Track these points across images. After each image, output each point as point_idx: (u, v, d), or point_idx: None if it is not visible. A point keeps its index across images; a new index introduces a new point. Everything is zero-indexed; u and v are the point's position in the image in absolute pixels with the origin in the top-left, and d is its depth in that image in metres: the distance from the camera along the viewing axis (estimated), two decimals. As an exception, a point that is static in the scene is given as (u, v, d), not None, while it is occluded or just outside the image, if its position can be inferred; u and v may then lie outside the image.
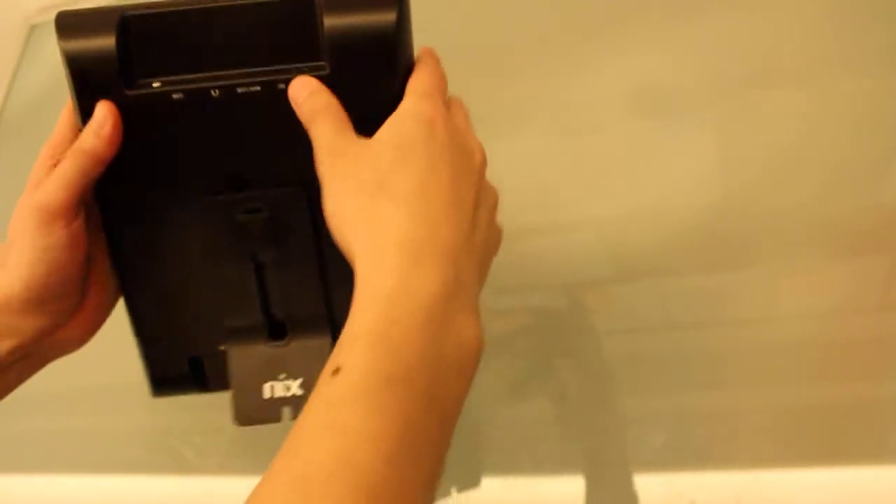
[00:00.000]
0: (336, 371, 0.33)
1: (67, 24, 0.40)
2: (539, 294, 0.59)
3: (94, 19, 0.40)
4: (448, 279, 0.34)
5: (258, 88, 0.39)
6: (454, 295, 0.34)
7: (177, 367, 0.46)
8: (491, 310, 0.59)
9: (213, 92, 0.39)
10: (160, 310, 0.46)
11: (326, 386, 0.33)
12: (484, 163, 0.39)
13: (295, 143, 0.40)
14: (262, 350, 0.45)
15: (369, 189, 0.36)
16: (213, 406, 0.65)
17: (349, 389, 0.32)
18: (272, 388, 0.45)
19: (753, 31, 0.61)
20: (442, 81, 0.41)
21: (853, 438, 0.48)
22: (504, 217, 0.61)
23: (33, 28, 1.04)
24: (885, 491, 0.46)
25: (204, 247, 0.44)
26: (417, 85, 0.40)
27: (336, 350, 0.34)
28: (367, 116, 0.39)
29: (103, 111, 0.42)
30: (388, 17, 0.38)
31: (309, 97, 0.39)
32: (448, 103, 0.41)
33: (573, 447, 0.53)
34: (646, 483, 0.50)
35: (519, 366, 0.57)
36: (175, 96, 0.40)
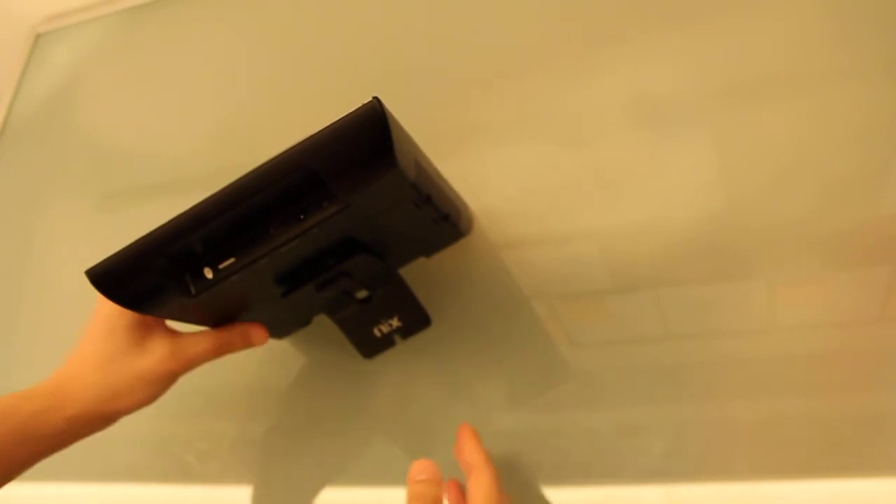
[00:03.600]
0: None
1: (109, 282, 0.44)
2: (537, 304, 0.59)
3: (127, 264, 0.44)
4: None
5: (296, 242, 0.44)
6: None
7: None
8: (488, 318, 0.60)
9: (262, 261, 0.45)
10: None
11: None
12: None
13: (333, 237, 0.47)
14: (358, 309, 0.58)
15: None
16: (214, 413, 0.65)
17: None
18: (379, 329, 0.60)
19: (753, 41, 0.61)
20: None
21: (852, 450, 0.48)
22: (502, 227, 0.62)
23: (39, 37, 1.04)
24: (884, 503, 0.46)
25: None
26: None
27: None
28: (394, 226, 0.49)
29: (261, 335, 0.54)
30: (377, 128, 0.41)
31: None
32: None
33: (571, 457, 0.53)
34: (643, 493, 0.50)
35: (515, 375, 0.57)
36: (234, 278, 0.45)
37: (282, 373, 0.64)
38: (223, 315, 0.51)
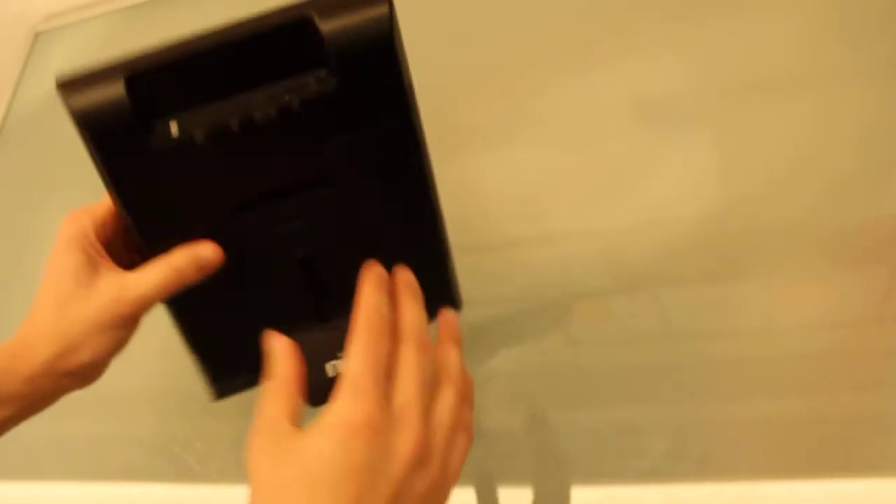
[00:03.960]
0: None
1: (70, 82, 0.41)
2: (538, 304, 0.59)
3: (97, 74, 0.41)
4: None
5: (274, 114, 0.40)
6: None
7: (234, 367, 0.50)
8: (489, 318, 0.60)
9: (232, 127, 0.40)
10: (212, 322, 0.49)
11: None
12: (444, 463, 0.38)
13: (314, 152, 0.41)
14: (316, 336, 0.47)
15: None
16: (214, 413, 0.65)
17: None
18: (334, 366, 0.47)
19: (755, 41, 0.61)
20: (378, 357, 0.39)
21: (852, 450, 0.48)
22: (503, 228, 0.61)
23: (38, 35, 1.04)
24: (885, 503, 0.46)
25: (249, 260, 0.46)
26: (348, 373, 0.38)
27: None
28: (376, 118, 0.42)
29: (213, 253, 0.45)
30: (380, 9, 0.39)
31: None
32: (438, 385, 0.41)
33: (571, 457, 0.53)
34: (644, 493, 0.50)
35: (516, 375, 0.57)
36: (197, 140, 0.41)
37: (282, 372, 0.64)
38: (172, 231, 0.46)
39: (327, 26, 0.39)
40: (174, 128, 0.41)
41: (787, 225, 0.54)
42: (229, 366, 0.51)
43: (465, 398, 0.41)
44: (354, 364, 0.38)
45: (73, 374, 0.46)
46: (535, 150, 0.64)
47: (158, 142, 0.41)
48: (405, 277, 0.43)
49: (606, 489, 0.51)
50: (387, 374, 0.38)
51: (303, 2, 0.40)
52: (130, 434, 0.59)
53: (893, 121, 0.55)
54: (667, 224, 0.57)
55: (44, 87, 0.98)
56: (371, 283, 0.41)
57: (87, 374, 0.47)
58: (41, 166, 0.91)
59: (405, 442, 0.37)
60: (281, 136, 0.41)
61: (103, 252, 0.46)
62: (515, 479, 0.53)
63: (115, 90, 0.40)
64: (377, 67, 0.41)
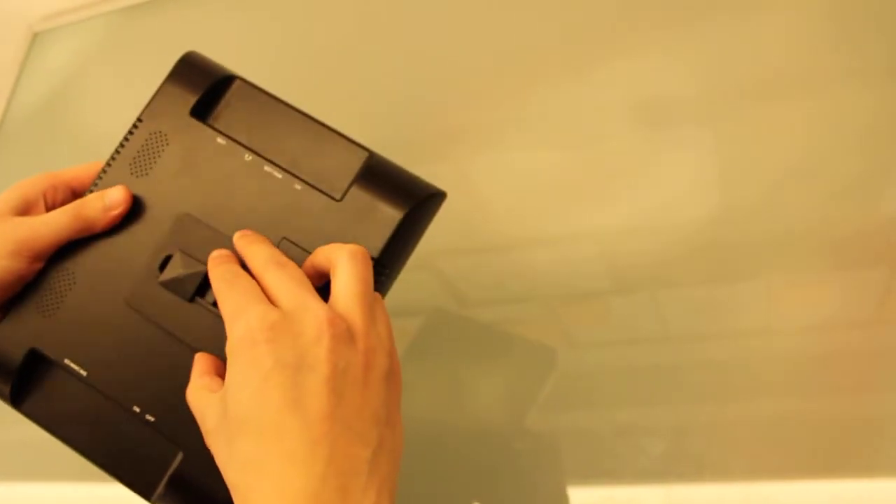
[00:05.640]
0: None
1: (198, 57, 0.48)
2: (537, 305, 0.59)
3: (216, 67, 0.47)
4: None
5: (279, 176, 0.43)
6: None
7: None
8: (488, 320, 0.60)
9: (246, 156, 0.44)
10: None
11: None
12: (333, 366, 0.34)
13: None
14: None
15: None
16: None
17: None
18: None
19: (754, 42, 0.61)
20: (245, 289, 0.37)
21: (852, 450, 0.48)
22: (502, 229, 0.62)
23: (36, 36, 1.04)
24: (883, 503, 0.46)
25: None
26: (224, 314, 0.37)
27: None
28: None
29: (121, 195, 0.44)
30: (396, 214, 0.42)
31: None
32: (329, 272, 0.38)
33: (570, 457, 0.53)
34: (643, 494, 0.50)
35: (515, 376, 0.57)
36: (219, 140, 0.44)
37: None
38: None
39: (360, 186, 0.42)
40: (218, 131, 0.45)
41: (785, 226, 0.54)
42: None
43: (360, 278, 0.37)
44: (225, 307, 0.37)
45: None
46: (535, 151, 0.64)
47: (197, 121, 0.45)
48: (237, 237, 0.41)
49: (605, 489, 0.51)
50: (262, 298, 0.36)
51: (385, 163, 0.44)
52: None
53: (893, 123, 0.55)
54: (665, 225, 0.57)
55: (41, 88, 0.98)
56: (211, 263, 0.40)
57: None
58: (38, 167, 0.90)
59: (310, 322, 0.34)
60: (265, 196, 0.44)
61: (42, 213, 0.45)
62: (514, 479, 0.53)
63: (206, 79, 0.46)
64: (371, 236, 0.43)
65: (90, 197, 0.44)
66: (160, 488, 0.40)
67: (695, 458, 0.50)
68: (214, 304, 0.39)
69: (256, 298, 0.36)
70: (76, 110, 0.93)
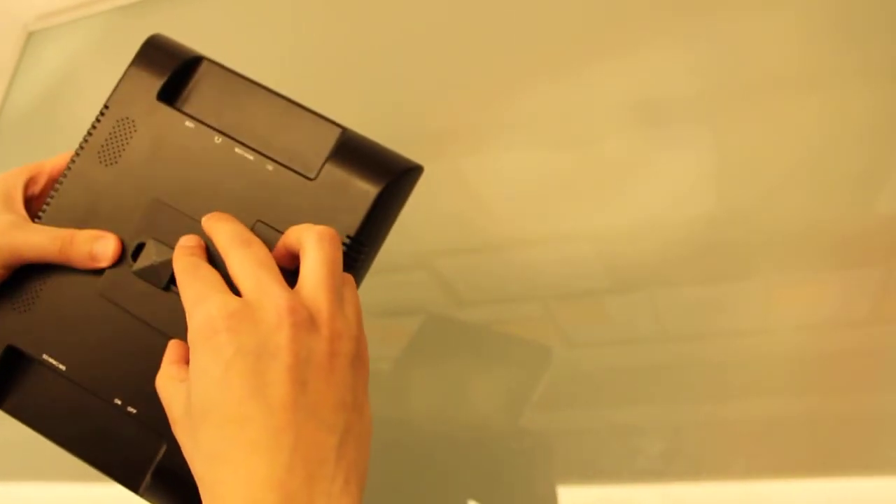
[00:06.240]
0: None
1: (163, 39, 0.46)
2: (535, 304, 0.59)
3: (182, 49, 0.46)
4: None
5: (251, 157, 0.43)
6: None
7: None
8: (485, 320, 0.60)
9: (216, 139, 0.43)
10: None
11: None
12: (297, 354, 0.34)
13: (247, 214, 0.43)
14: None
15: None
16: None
17: None
18: None
19: (753, 41, 0.61)
20: (206, 276, 0.37)
21: (851, 450, 0.48)
22: (499, 228, 0.61)
23: (31, 35, 1.04)
24: (880, 502, 0.46)
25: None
26: (184, 300, 0.36)
27: None
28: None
29: (112, 251, 0.42)
30: (372, 190, 0.41)
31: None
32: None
33: (568, 457, 0.53)
34: (641, 493, 0.50)
35: (513, 376, 0.57)
36: (187, 123, 0.43)
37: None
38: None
39: (333, 162, 0.42)
40: (187, 116, 0.44)
41: (783, 226, 0.54)
42: None
43: (327, 260, 0.36)
44: (186, 296, 0.36)
45: None
46: (532, 150, 0.64)
47: (164, 105, 0.44)
48: (204, 220, 0.41)
49: (602, 489, 0.51)
50: (223, 287, 0.36)
51: (361, 139, 0.43)
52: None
53: (893, 123, 0.55)
54: (663, 225, 0.57)
55: (37, 88, 0.97)
56: (176, 253, 0.39)
57: None
58: (34, 166, 0.90)
59: (270, 309, 0.34)
60: (234, 178, 0.43)
61: (20, 206, 0.45)
62: (512, 478, 0.53)
63: (171, 63, 0.45)
64: (345, 214, 0.42)
65: (81, 237, 0.43)
66: (147, 480, 0.40)
67: (692, 457, 0.50)
68: None
69: (217, 287, 0.36)
70: (71, 110, 0.93)
